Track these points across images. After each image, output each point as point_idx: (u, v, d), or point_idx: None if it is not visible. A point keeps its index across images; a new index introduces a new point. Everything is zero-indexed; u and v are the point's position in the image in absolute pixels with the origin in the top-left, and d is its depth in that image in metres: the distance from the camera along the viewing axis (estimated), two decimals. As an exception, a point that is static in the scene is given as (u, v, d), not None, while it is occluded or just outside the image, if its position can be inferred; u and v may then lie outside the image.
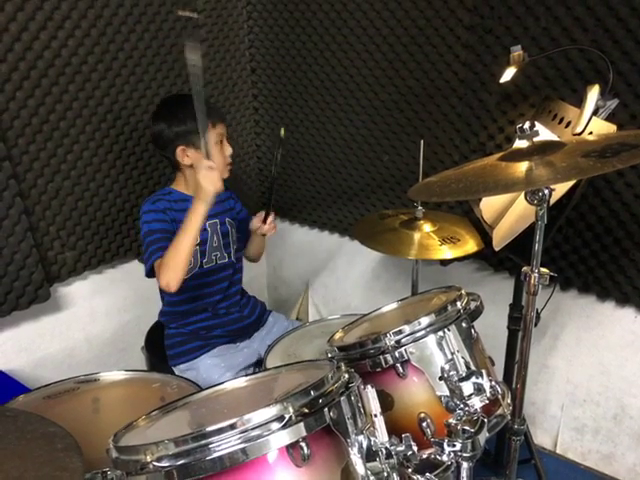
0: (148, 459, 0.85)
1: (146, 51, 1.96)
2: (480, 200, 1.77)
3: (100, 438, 1.01)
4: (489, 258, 2.03)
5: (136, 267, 2.16)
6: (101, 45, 1.83)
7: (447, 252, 1.67)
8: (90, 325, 2.12)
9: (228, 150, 1.72)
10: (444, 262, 2.10)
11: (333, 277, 2.64)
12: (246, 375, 1.20)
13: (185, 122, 1.62)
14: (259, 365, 1.80)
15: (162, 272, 1.54)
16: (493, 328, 1.67)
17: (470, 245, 1.70)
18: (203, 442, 0.84)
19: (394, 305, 1.54)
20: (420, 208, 1.77)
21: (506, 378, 1.84)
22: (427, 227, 1.75)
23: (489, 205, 1.71)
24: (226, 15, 2.22)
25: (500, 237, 1.57)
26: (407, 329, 1.22)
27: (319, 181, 2.42)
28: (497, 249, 1.56)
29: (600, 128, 1.39)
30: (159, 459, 0.85)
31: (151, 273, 1.63)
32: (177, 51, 2.05)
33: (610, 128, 1.39)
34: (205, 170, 1.50)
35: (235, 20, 2.26)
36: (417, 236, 1.72)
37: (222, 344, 1.80)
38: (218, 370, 1.73)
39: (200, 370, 1.74)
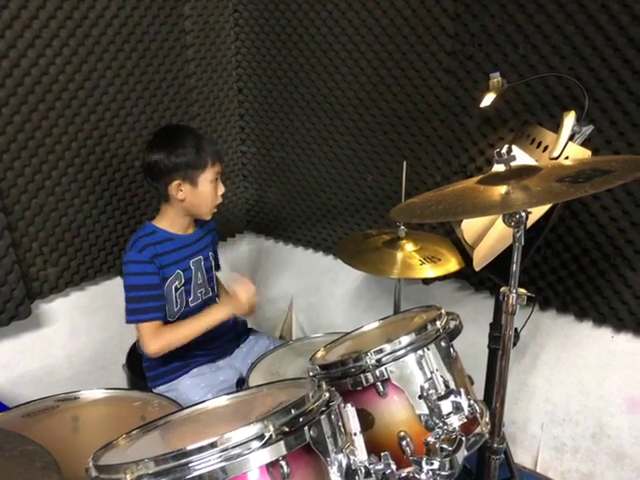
0: (128, 478, 0.85)
1: (134, 70, 1.98)
2: (461, 221, 1.80)
3: (79, 457, 1.00)
4: (470, 278, 2.06)
5: (118, 284, 2.12)
6: (89, 63, 1.84)
7: (429, 271, 1.69)
8: (71, 342, 2.10)
9: (221, 189, 1.69)
10: (426, 281, 2.13)
11: (317, 295, 2.65)
12: (227, 393, 1.20)
13: (185, 154, 1.59)
14: (240, 384, 1.79)
15: (155, 343, 1.61)
16: (474, 347, 1.69)
17: (452, 264, 1.73)
18: (183, 461, 0.84)
19: (376, 324, 1.55)
20: (402, 228, 1.80)
21: (487, 397, 1.85)
22: (409, 246, 1.78)
23: (470, 226, 1.74)
24: (214, 36, 2.25)
25: (480, 257, 1.59)
26: (388, 348, 1.24)
27: (304, 200, 2.44)
28: (477, 269, 1.59)
29: (576, 153, 1.43)
30: (139, 478, 0.85)
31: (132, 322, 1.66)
32: (164, 70, 2.08)
33: (585, 153, 1.43)
34: (247, 291, 1.66)
35: (223, 41, 2.30)
36: (400, 255, 1.74)
37: (202, 364, 1.79)
38: (198, 391, 1.71)
39: (180, 391, 1.72)
